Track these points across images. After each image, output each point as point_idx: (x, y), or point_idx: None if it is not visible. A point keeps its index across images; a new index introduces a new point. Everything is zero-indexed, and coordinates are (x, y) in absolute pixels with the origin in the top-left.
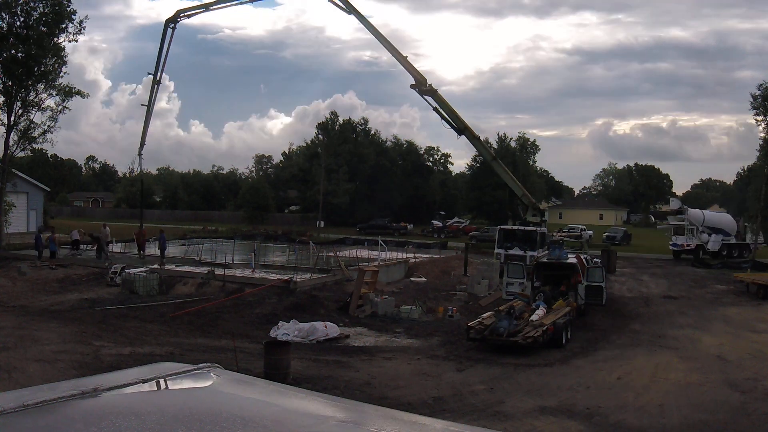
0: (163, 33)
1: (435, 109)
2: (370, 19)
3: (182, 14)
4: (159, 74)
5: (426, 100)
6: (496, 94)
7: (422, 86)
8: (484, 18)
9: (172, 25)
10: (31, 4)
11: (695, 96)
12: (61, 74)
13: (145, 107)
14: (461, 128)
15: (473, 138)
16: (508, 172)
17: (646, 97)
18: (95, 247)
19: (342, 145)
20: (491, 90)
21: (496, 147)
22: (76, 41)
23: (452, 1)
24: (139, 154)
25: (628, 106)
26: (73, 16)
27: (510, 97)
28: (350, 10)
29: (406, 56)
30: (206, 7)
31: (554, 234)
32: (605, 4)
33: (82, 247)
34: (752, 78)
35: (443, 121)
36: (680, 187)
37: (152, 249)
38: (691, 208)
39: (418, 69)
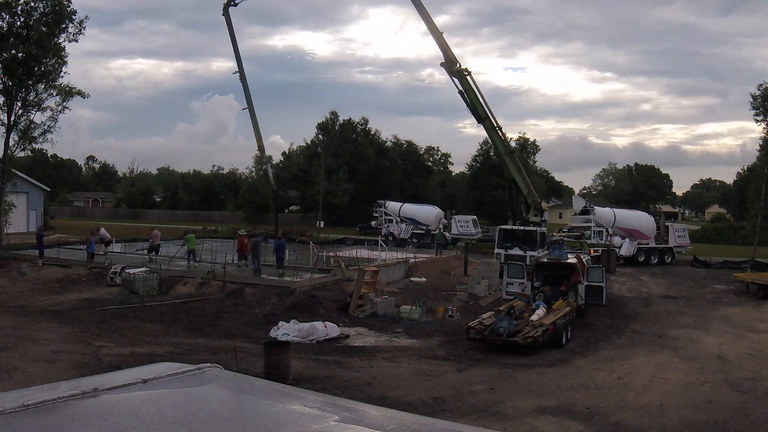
0: (227, 19)
1: (460, 93)
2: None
3: None
4: (240, 66)
5: (453, 81)
6: (520, 104)
7: (452, 65)
8: (509, 49)
9: (231, 5)
10: (32, 4)
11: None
12: (62, 74)
13: (247, 109)
14: (483, 117)
15: (492, 129)
16: (521, 168)
17: (663, 106)
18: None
19: (342, 145)
20: (515, 102)
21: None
22: (76, 41)
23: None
24: (262, 156)
25: (645, 113)
26: (73, 16)
27: (534, 107)
28: None
29: (442, 33)
30: None
31: (554, 234)
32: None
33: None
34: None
35: (466, 106)
36: (680, 188)
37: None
38: (598, 207)
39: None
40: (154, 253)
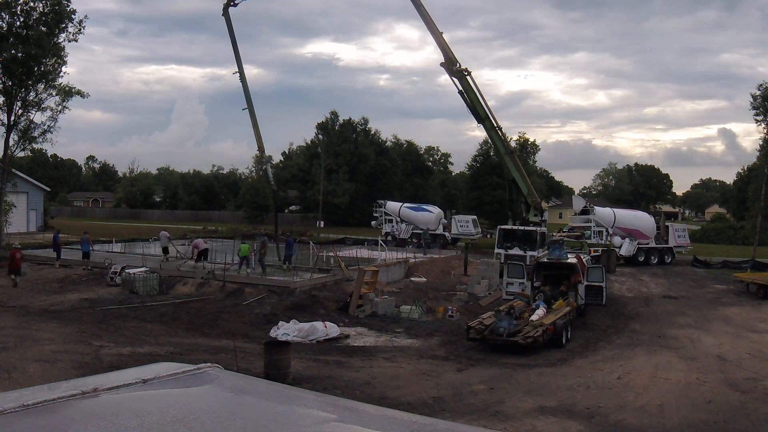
0: (227, 19)
1: (460, 93)
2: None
3: None
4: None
5: (453, 81)
6: (527, 108)
7: (452, 65)
8: (518, 58)
9: (231, 6)
10: (31, 4)
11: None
12: (61, 74)
13: (247, 110)
14: (483, 117)
15: (492, 129)
16: (520, 168)
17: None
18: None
19: (342, 145)
20: (523, 106)
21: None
22: (76, 41)
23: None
24: (262, 156)
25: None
26: (72, 16)
27: (540, 111)
28: None
29: (442, 32)
30: None
31: (554, 234)
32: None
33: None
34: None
35: (466, 106)
36: (680, 188)
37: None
38: (598, 207)
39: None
40: (169, 256)
